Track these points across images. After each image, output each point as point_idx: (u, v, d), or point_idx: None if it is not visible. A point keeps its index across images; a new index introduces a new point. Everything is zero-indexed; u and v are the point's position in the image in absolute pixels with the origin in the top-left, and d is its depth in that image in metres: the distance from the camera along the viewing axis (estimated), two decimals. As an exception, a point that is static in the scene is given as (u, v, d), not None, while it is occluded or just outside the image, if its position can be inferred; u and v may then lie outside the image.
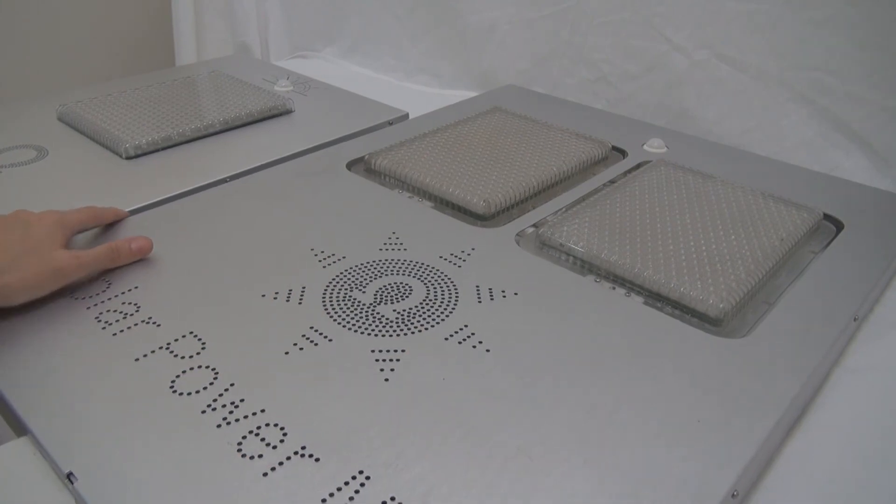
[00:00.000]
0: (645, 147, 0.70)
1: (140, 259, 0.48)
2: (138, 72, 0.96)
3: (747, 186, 0.60)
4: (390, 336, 0.41)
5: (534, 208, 0.57)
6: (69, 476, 0.32)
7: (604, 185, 0.62)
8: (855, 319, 0.46)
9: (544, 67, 0.88)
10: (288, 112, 0.78)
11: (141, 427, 0.35)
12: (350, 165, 0.65)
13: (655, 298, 0.46)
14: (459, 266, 0.48)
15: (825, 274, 0.50)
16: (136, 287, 0.45)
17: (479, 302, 0.45)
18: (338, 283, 0.46)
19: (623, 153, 0.69)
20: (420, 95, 0.99)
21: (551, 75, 0.88)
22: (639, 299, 0.46)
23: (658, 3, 0.75)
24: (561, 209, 0.57)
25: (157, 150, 0.67)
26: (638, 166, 0.66)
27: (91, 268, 0.45)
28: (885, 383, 0.45)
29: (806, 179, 0.64)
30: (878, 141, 0.64)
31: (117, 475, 0.32)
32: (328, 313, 0.43)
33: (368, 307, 0.44)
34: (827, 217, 0.57)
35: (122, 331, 0.41)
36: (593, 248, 0.50)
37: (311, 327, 0.42)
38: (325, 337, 0.41)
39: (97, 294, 0.44)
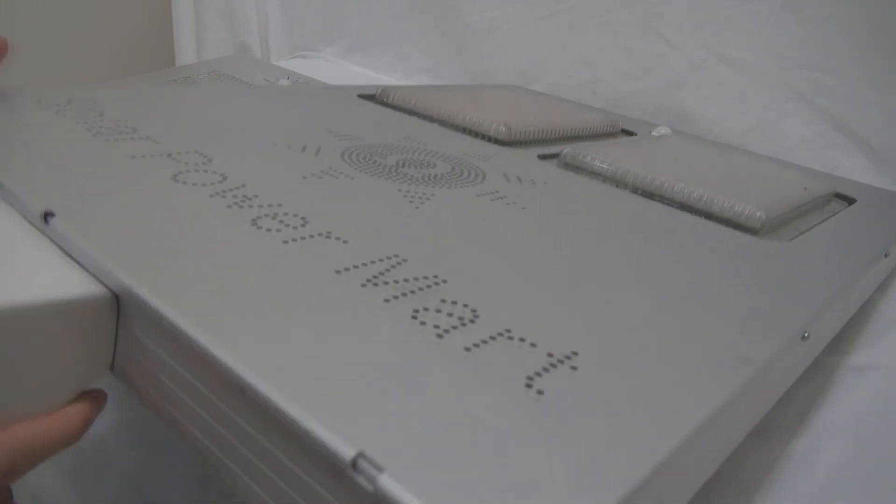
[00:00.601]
0: (653, 133, 0.69)
1: None
2: (138, 72, 0.94)
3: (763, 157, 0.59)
4: (418, 185, 0.37)
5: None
6: (46, 217, 0.26)
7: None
8: (886, 255, 0.45)
9: (543, 67, 0.89)
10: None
11: (133, 191, 0.30)
12: (362, 98, 0.62)
13: (689, 211, 0.44)
14: (484, 161, 0.45)
15: (849, 223, 0.49)
16: (133, 119, 0.40)
17: (508, 182, 0.41)
18: (356, 149, 0.42)
19: (631, 134, 0.69)
20: (419, 93, 0.99)
21: (550, 75, 0.88)
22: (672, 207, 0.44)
23: (657, 3, 0.77)
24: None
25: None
26: (649, 142, 0.65)
27: None
28: (888, 381, 0.43)
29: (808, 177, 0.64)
30: (878, 141, 0.65)
31: (102, 217, 0.26)
32: (348, 163, 0.39)
33: (391, 167, 0.40)
34: (838, 196, 0.57)
35: (115, 139, 0.36)
36: (620, 167, 0.47)
37: (331, 167, 0.38)
38: (347, 175, 0.37)
39: (81, 111, 0.39)
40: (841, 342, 0.45)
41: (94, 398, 0.25)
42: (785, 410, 0.40)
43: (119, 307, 0.24)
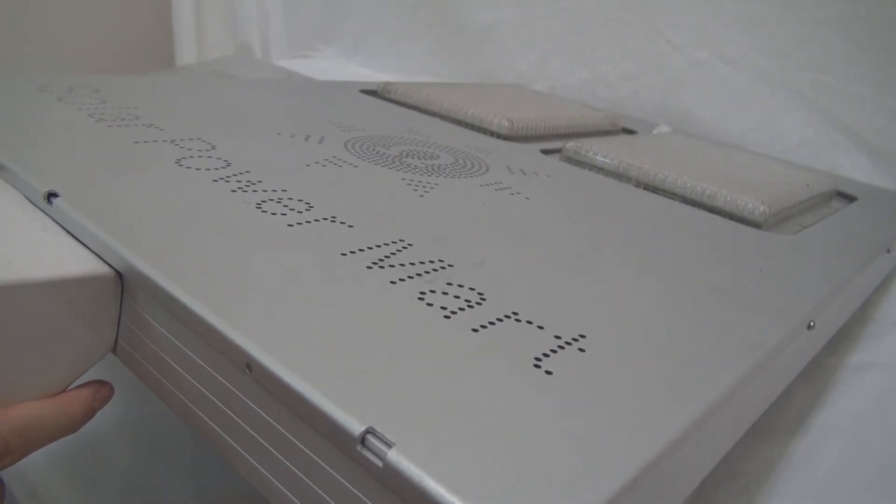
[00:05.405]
0: (654, 132, 0.69)
1: None
2: (138, 71, 0.93)
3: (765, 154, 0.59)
4: (421, 174, 0.37)
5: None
6: (49, 197, 0.26)
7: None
8: (888, 251, 0.45)
9: (543, 67, 0.89)
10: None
11: (137, 174, 0.29)
12: (364, 93, 0.62)
13: (692, 205, 0.44)
14: (487, 154, 0.45)
15: (851, 219, 0.48)
16: (135, 107, 0.40)
17: (512, 174, 0.41)
18: (359, 139, 0.42)
19: (632, 132, 0.69)
20: (420, 92, 0.99)
21: (550, 75, 0.88)
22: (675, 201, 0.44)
23: (658, 3, 0.77)
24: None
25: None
26: (650, 138, 0.65)
27: None
28: (888, 381, 0.43)
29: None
30: (878, 141, 0.66)
31: (105, 198, 0.26)
32: (351, 153, 0.39)
33: (395, 157, 0.40)
34: (839, 194, 0.57)
35: (117, 125, 0.36)
36: (623, 161, 0.47)
37: (334, 156, 0.37)
38: (350, 164, 0.37)
39: (83, 98, 0.39)
40: (841, 342, 0.45)
41: (99, 388, 0.24)
42: (785, 410, 0.40)
43: (123, 287, 0.23)
